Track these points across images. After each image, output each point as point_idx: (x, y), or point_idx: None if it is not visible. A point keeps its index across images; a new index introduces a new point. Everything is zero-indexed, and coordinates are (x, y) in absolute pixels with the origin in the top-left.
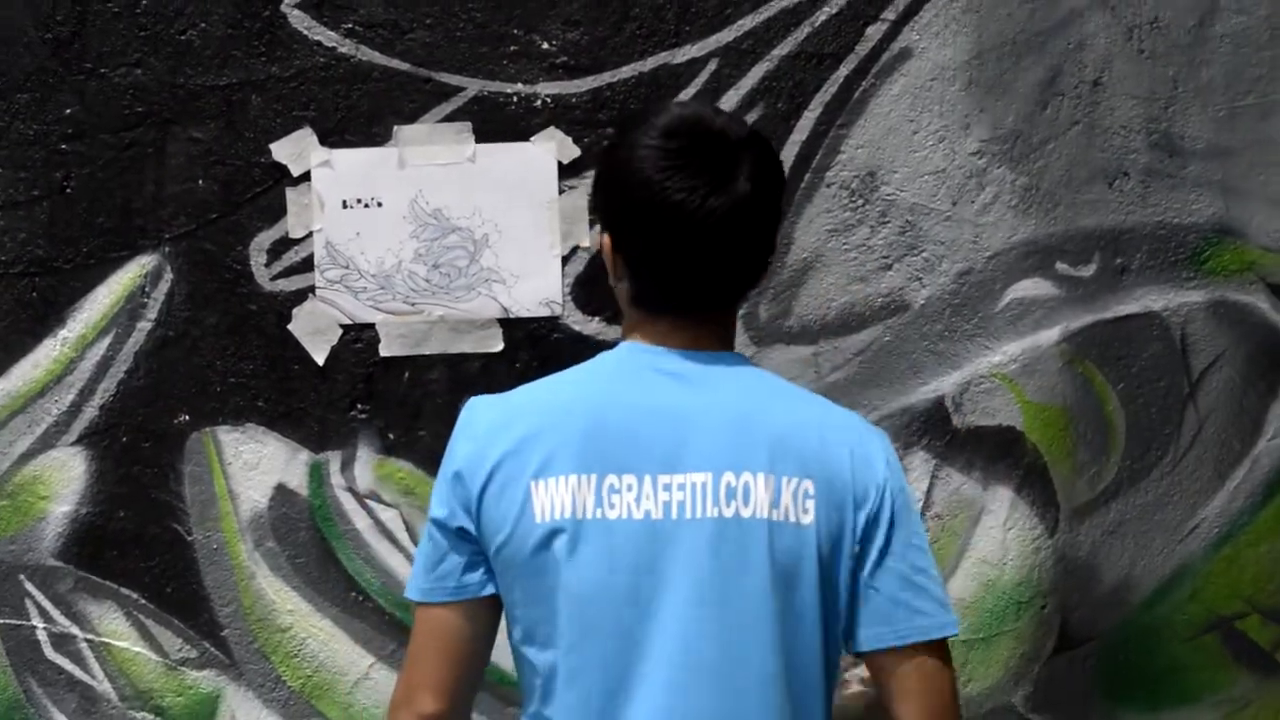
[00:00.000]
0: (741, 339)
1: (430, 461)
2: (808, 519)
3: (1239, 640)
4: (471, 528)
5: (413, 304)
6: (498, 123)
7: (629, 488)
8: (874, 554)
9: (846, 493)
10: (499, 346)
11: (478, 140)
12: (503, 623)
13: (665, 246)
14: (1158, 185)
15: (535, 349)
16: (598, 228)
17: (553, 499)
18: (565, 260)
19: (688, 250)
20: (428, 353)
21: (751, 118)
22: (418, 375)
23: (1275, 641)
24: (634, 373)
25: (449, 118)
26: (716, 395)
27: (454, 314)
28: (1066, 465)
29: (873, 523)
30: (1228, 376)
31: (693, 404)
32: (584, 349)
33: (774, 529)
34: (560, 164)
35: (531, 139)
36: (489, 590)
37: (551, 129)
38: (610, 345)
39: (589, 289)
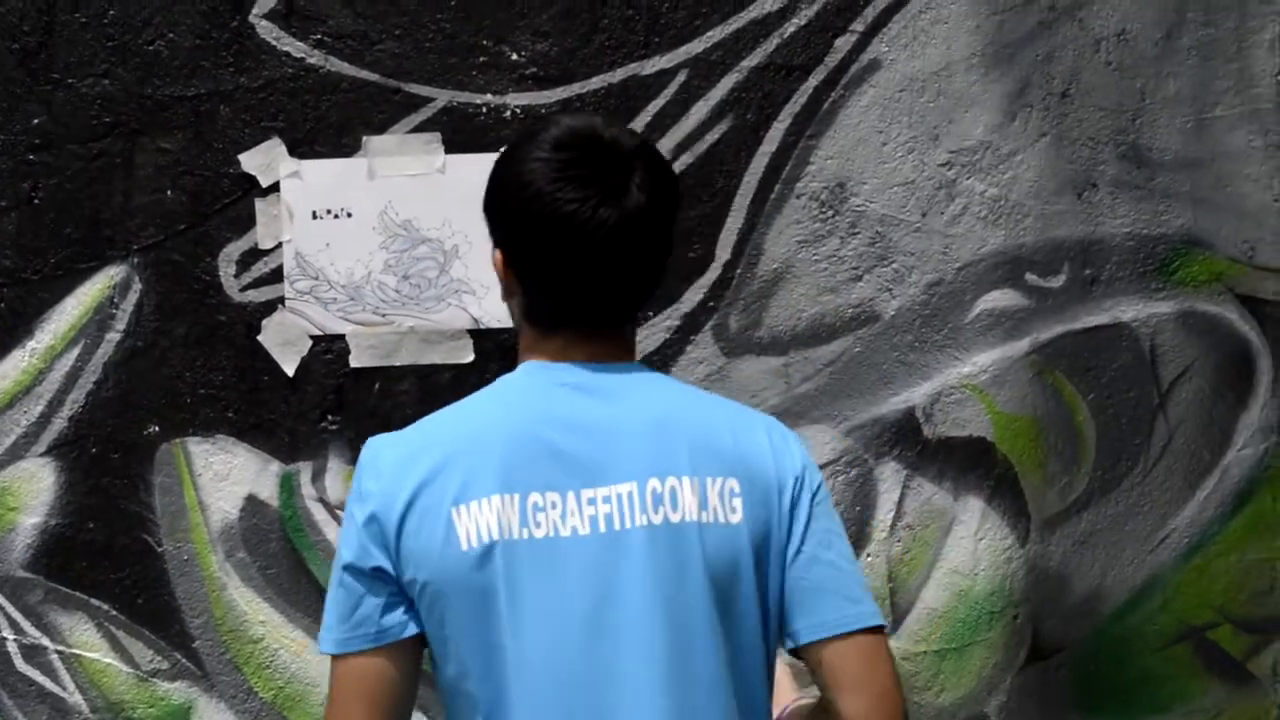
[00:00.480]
0: (711, 350)
1: None
2: (736, 517)
3: (1210, 650)
4: (389, 566)
5: (383, 315)
6: (467, 133)
7: (553, 505)
8: (801, 543)
9: (770, 485)
10: (470, 357)
11: (447, 151)
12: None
13: (558, 260)
14: (1126, 196)
15: (506, 360)
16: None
17: (477, 523)
18: None
19: (581, 263)
20: (398, 364)
21: (721, 129)
22: (388, 386)
23: (1247, 651)
24: (541, 390)
25: (418, 128)
26: (628, 404)
27: (424, 325)
28: (1037, 476)
29: (795, 511)
30: (1197, 387)
31: (606, 415)
32: None
33: (705, 531)
34: None
35: (501, 149)
36: (411, 630)
37: None
38: None
39: None
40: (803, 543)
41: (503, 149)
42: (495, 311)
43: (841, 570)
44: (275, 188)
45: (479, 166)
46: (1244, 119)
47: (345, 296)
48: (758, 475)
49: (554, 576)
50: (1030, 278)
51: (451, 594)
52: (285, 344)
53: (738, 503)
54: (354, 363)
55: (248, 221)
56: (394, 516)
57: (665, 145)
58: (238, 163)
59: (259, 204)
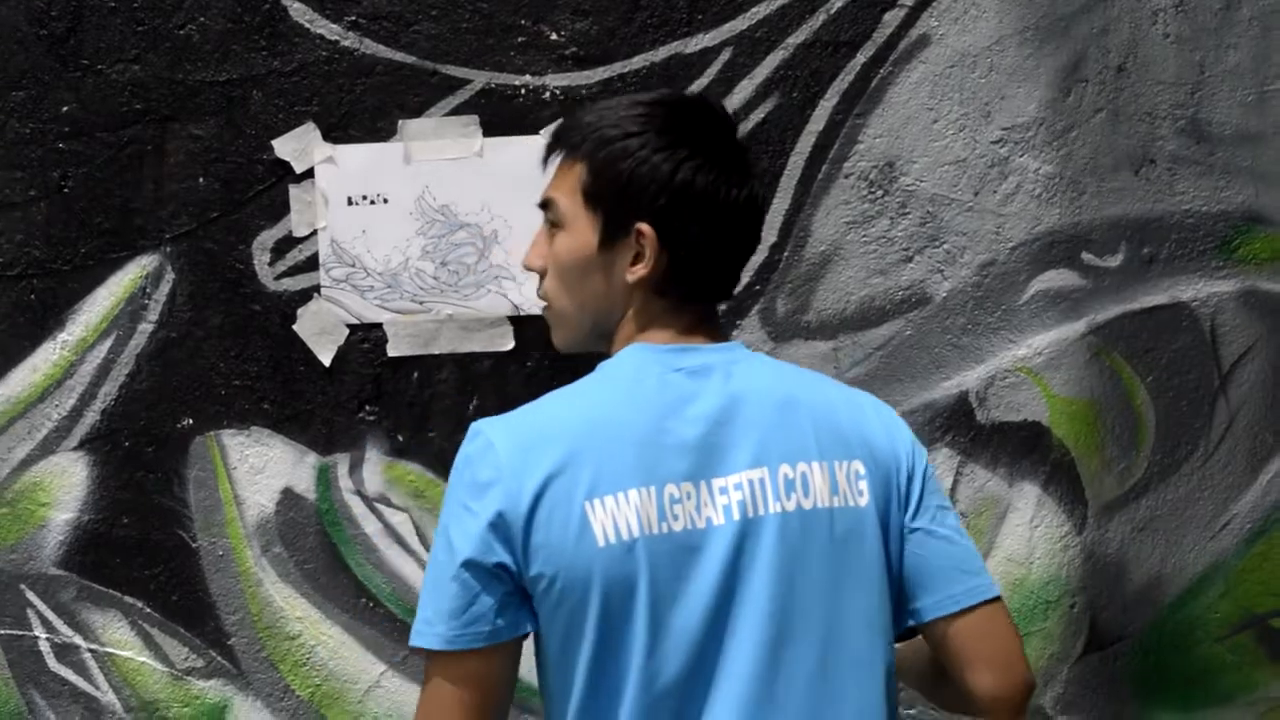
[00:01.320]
0: (758, 335)
1: (441, 463)
2: (863, 500)
3: (1275, 638)
4: (512, 562)
5: (421, 302)
6: (506, 115)
7: (688, 496)
8: (916, 519)
9: (889, 464)
10: (510, 345)
11: (485, 134)
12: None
13: (710, 232)
14: (1185, 172)
15: (547, 348)
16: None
17: (614, 518)
18: None
19: (725, 235)
20: (437, 352)
21: (766, 108)
22: (427, 375)
23: None
24: (657, 376)
25: (455, 111)
26: (745, 388)
27: (463, 312)
28: (1094, 460)
29: (910, 488)
30: (1259, 368)
31: (726, 401)
32: None
33: (835, 515)
34: None
35: (541, 132)
36: (525, 629)
37: (561, 121)
38: None
39: None
40: (917, 518)
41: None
42: (535, 297)
43: (957, 544)
44: (310, 174)
45: (518, 149)
46: None
47: (382, 284)
48: (879, 455)
49: (690, 567)
50: (1087, 257)
51: (584, 589)
52: (321, 333)
53: (864, 485)
54: (391, 352)
55: (282, 209)
56: (521, 509)
57: None
58: (271, 149)
59: (293, 190)
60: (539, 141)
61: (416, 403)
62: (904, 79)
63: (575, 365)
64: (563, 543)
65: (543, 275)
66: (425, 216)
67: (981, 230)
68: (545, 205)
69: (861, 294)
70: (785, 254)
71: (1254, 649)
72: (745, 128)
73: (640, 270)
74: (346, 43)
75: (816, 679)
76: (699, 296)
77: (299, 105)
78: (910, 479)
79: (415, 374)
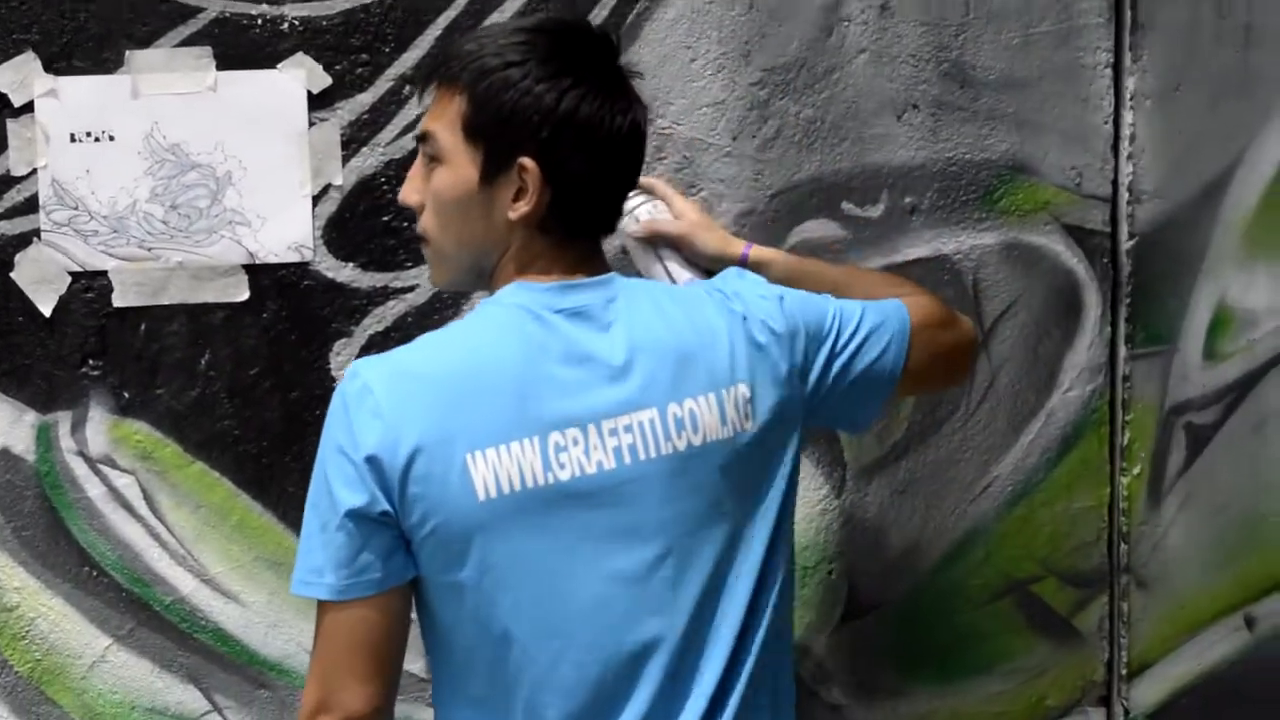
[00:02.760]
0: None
1: (170, 422)
2: (749, 424)
3: (1035, 605)
4: (393, 511)
5: (149, 249)
6: (242, 48)
7: (575, 442)
8: (830, 362)
9: (771, 359)
10: (244, 295)
11: (219, 67)
12: None
13: (593, 165)
14: (948, 119)
15: (284, 297)
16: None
17: (495, 471)
18: (316, 200)
19: (609, 168)
20: (166, 302)
21: None
22: (155, 327)
23: (1073, 606)
24: (538, 320)
25: (187, 41)
26: (628, 326)
27: (195, 260)
28: None
29: (805, 355)
30: (1022, 323)
31: (609, 342)
32: (337, 296)
33: (725, 447)
34: (310, 94)
35: (279, 66)
36: (411, 573)
37: (300, 55)
38: (365, 293)
39: (342, 231)
40: (829, 362)
41: (485, 47)
42: (272, 244)
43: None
44: (29, 108)
45: (253, 84)
46: (1072, 35)
47: (107, 229)
48: (759, 362)
49: (579, 517)
50: (847, 206)
51: (464, 543)
52: (41, 281)
53: (749, 408)
54: (117, 302)
55: None
56: (399, 461)
57: None
58: None
59: (11, 125)
60: (276, 76)
61: (144, 356)
62: (660, 15)
63: (313, 317)
64: (442, 496)
65: (419, 210)
66: (154, 156)
67: (740, 177)
68: (423, 138)
69: (614, 241)
70: None
71: (1014, 616)
72: None
73: (523, 207)
74: None
75: (708, 607)
76: (582, 232)
77: (17, 33)
78: (796, 347)
79: (143, 326)
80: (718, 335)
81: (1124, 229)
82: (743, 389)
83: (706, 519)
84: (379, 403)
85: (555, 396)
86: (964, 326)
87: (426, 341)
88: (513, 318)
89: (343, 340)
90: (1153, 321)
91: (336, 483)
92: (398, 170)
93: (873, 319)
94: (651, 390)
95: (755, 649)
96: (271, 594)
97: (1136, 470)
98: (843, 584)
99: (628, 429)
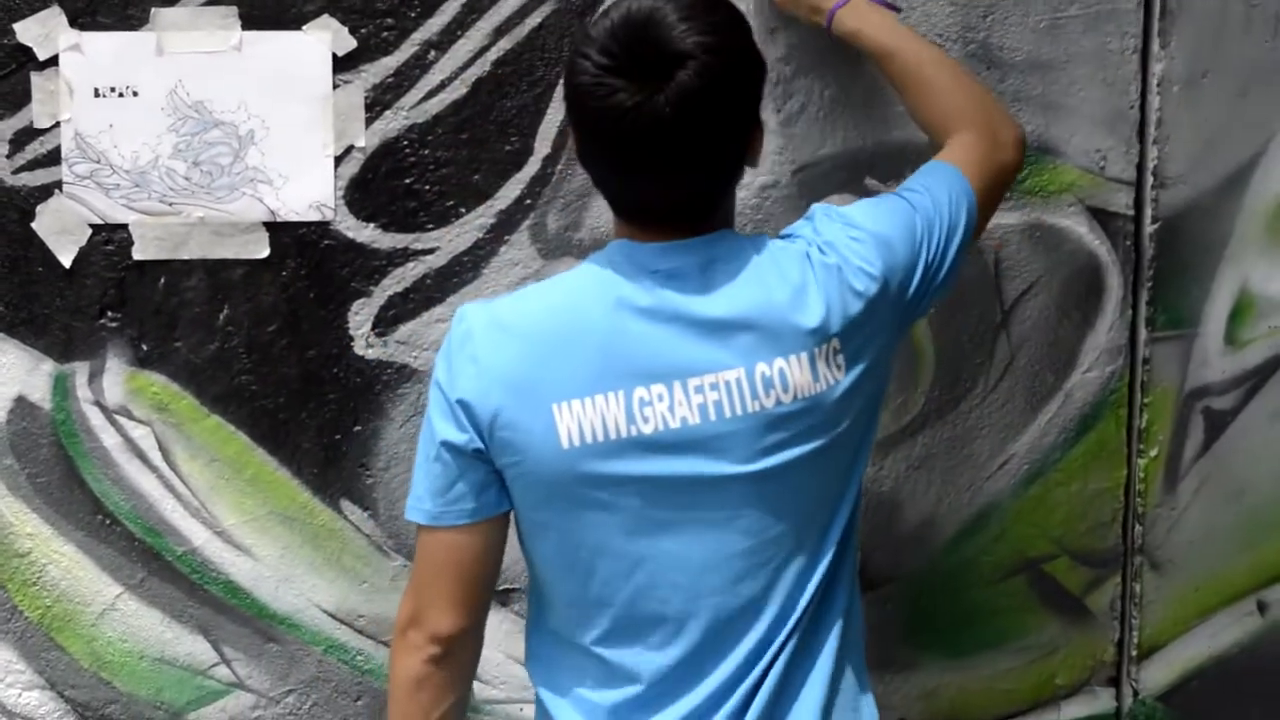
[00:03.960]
0: (527, 251)
1: (187, 374)
2: (840, 373)
3: (1047, 584)
4: (485, 449)
5: (170, 204)
6: (267, 8)
7: (660, 398)
8: (923, 276)
9: (865, 293)
10: (264, 252)
11: (244, 27)
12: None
13: (606, 156)
14: None
15: (304, 256)
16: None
17: (580, 422)
18: (338, 161)
19: (627, 159)
20: (186, 257)
21: (543, 11)
22: (174, 281)
23: (1085, 586)
24: (631, 277)
25: (212, 1)
26: (720, 287)
27: (215, 216)
28: None
29: (897, 286)
30: (1042, 304)
31: (700, 302)
32: (357, 256)
33: (815, 403)
34: (335, 56)
35: (304, 28)
36: (504, 507)
37: (326, 17)
38: (385, 253)
39: (363, 192)
40: (918, 272)
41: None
42: (293, 203)
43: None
44: (54, 61)
45: (278, 45)
46: (1101, 19)
47: (129, 183)
48: (855, 311)
49: (662, 470)
50: (870, 182)
51: (548, 487)
52: (62, 232)
53: (842, 359)
54: (137, 255)
55: (23, 97)
56: (490, 405)
57: (482, 29)
58: (12, 33)
59: (35, 79)
60: (301, 38)
61: (163, 310)
62: None
63: (332, 276)
64: (528, 442)
65: None
66: (178, 113)
67: (765, 150)
68: None
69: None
70: (559, 167)
71: (1026, 594)
72: (520, 32)
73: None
74: None
75: (789, 550)
76: (632, 217)
77: None
78: (892, 282)
79: (162, 280)
80: (811, 292)
81: (1148, 213)
82: (835, 342)
83: (792, 472)
84: (477, 349)
85: (642, 353)
86: (1009, 135)
87: (526, 294)
88: (608, 275)
89: (361, 300)
90: (1174, 306)
91: (435, 416)
92: (420, 134)
93: (947, 210)
94: (739, 350)
95: (819, 593)
96: (284, 549)
97: (1154, 453)
98: (856, 557)
99: (714, 387)
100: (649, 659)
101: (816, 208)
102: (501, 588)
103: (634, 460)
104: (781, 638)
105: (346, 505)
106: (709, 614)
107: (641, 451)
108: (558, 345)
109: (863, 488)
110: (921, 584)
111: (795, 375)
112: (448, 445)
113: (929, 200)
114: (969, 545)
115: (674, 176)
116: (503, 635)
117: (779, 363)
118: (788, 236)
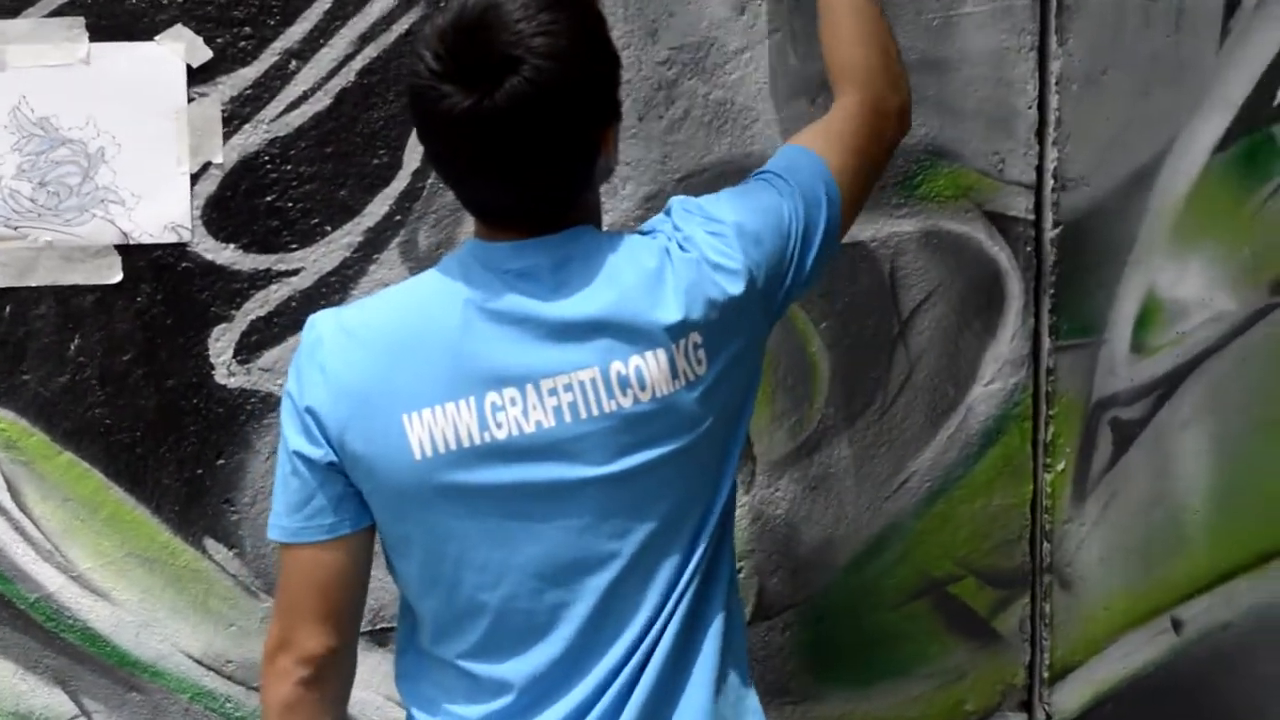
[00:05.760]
0: (398, 271)
1: (37, 410)
2: (702, 368)
3: (953, 606)
4: (339, 463)
5: (15, 227)
6: (117, 18)
7: (512, 402)
8: (788, 269)
9: (729, 294)
10: (117, 277)
11: (93, 38)
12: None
13: (438, 157)
14: None
15: (160, 280)
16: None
17: (431, 431)
18: (195, 179)
19: (459, 160)
20: (34, 284)
21: (410, 17)
22: (22, 310)
23: (993, 607)
24: (482, 278)
25: (58, 11)
26: (573, 287)
27: (64, 239)
28: (764, 413)
29: (766, 275)
30: (941, 314)
31: (552, 302)
32: (217, 279)
33: (676, 400)
34: (189, 68)
35: (156, 38)
36: (366, 522)
37: (179, 27)
38: (246, 275)
39: (222, 211)
40: (785, 263)
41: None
42: (147, 224)
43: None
44: None
45: (129, 57)
46: (996, 16)
47: None
48: (714, 306)
49: (515, 477)
50: None
51: (404, 500)
52: None
53: (702, 353)
54: None
55: None
56: (339, 417)
57: (346, 36)
58: None
59: None
60: (153, 49)
61: (9, 340)
62: None
63: (191, 301)
64: (380, 454)
65: None
66: (22, 130)
67: (646, 159)
68: None
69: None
70: (430, 180)
71: (931, 617)
72: (386, 39)
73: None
74: None
75: (652, 553)
76: (482, 217)
77: None
78: (757, 276)
79: (8, 308)
80: (669, 288)
81: (1048, 217)
82: (695, 337)
83: (654, 473)
84: (325, 358)
85: (493, 357)
86: (893, 103)
87: (376, 299)
88: (458, 277)
89: (222, 325)
90: (1078, 313)
91: (288, 427)
92: (282, 148)
93: (811, 199)
94: (593, 350)
95: (693, 591)
96: (144, 592)
97: (1060, 466)
98: (752, 583)
99: (568, 388)
100: (519, 667)
101: (674, 201)
102: (378, 627)
103: (489, 468)
104: (655, 638)
105: (211, 544)
106: (579, 619)
107: (496, 459)
108: (406, 352)
109: (735, 492)
110: (821, 609)
111: (653, 372)
112: (301, 457)
113: (792, 186)
114: (870, 568)
115: (515, 180)
116: (381, 677)
117: (635, 360)
118: (648, 232)
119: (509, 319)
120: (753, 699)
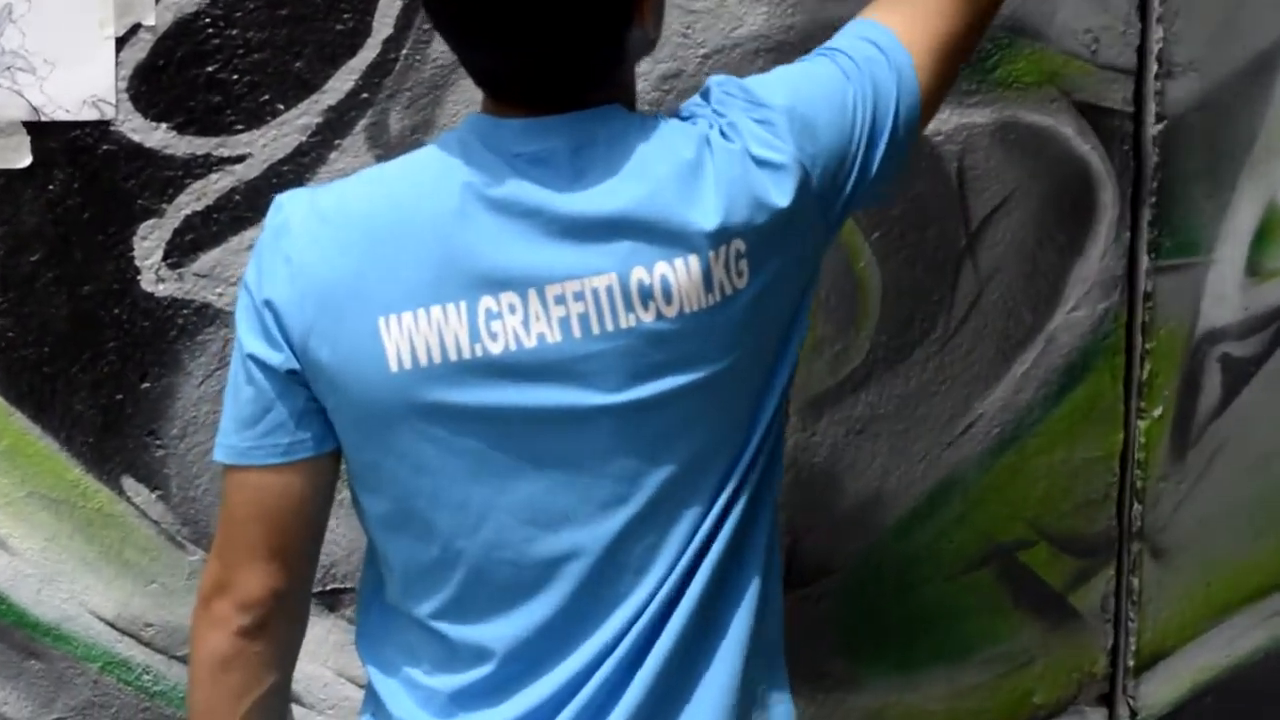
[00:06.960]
0: (363, 158)
1: None
2: (742, 281)
3: (1022, 577)
4: (300, 371)
5: None
6: None
7: (511, 309)
8: (854, 163)
9: (776, 196)
10: (25, 161)
11: None
12: None
13: (443, 24)
14: None
15: (77, 165)
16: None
17: (412, 340)
18: (120, 44)
19: (478, 23)
20: None
21: None
22: None
23: (1070, 580)
24: (485, 161)
25: None
26: (595, 176)
27: None
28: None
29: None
30: (1018, 225)
31: (568, 193)
32: (146, 166)
33: (712, 314)
34: None
35: None
36: (330, 445)
37: None
38: (181, 162)
39: (153, 84)
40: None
41: None
42: (62, 98)
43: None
44: None
45: None
46: None
47: None
48: (760, 209)
49: (511, 399)
50: None
51: (373, 421)
52: None
53: (745, 265)
54: None
55: None
56: (304, 316)
57: None
58: None
59: None
60: None
61: None
62: None
63: (114, 188)
64: (349, 363)
65: None
66: None
67: (665, 31)
68: None
69: None
70: (403, 52)
71: (994, 590)
72: None
73: None
74: None
75: (674, 520)
76: (491, 89)
77: None
78: (812, 172)
79: None
80: (709, 184)
81: (1150, 109)
82: (738, 244)
83: (675, 405)
84: (292, 247)
85: (492, 255)
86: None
87: (358, 179)
88: (458, 157)
89: (151, 221)
90: (1183, 226)
91: (242, 326)
92: (226, 9)
93: (882, 83)
94: (612, 253)
95: (716, 558)
96: (48, 540)
97: (1157, 412)
98: (782, 545)
99: (578, 296)
100: (499, 631)
101: (712, 81)
102: (329, 588)
103: (479, 387)
104: (664, 610)
105: (130, 484)
106: (575, 578)
107: (488, 376)
108: (387, 243)
109: (782, 439)
110: (864, 579)
111: (682, 283)
112: (256, 362)
113: (862, 70)
114: (924, 529)
115: (531, 39)
116: (331, 648)
117: (661, 267)
118: (688, 117)
119: (514, 210)
120: (785, 704)
